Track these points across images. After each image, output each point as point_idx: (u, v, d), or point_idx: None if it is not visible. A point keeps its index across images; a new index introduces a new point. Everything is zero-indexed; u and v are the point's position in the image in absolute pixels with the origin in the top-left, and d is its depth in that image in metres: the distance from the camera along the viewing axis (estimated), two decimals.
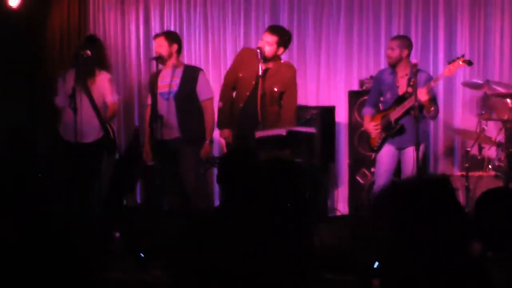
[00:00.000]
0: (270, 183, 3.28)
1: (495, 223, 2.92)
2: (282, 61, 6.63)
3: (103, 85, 6.70)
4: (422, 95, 6.05)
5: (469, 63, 6.24)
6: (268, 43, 6.39)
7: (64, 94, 6.66)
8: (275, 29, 6.56)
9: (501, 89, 7.24)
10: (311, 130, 6.39)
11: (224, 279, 2.68)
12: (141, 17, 8.64)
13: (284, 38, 6.48)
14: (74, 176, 6.59)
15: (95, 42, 6.84)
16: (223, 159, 4.01)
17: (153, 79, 6.61)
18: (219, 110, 6.65)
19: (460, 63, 6.16)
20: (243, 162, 3.72)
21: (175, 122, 6.51)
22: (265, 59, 6.39)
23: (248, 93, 6.49)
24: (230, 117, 6.60)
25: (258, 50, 6.35)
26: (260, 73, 6.32)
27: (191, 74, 6.62)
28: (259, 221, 3.00)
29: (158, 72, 6.60)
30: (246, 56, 6.61)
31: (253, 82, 6.44)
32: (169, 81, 6.54)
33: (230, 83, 6.66)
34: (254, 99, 6.41)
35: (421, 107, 6.14)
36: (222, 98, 6.68)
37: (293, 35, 7.83)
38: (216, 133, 6.82)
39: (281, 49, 6.47)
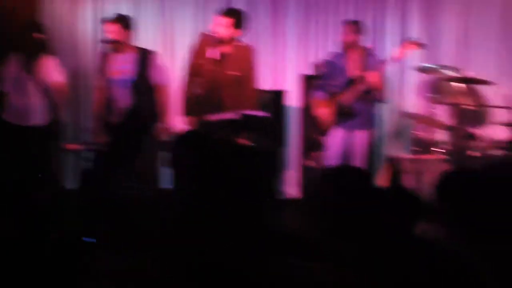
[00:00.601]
0: (225, 166, 3.26)
1: (460, 205, 2.96)
2: (240, 44, 6.45)
3: (49, 69, 6.59)
4: (374, 77, 6.10)
5: (421, 45, 6.32)
6: (223, 26, 6.24)
7: (7, 78, 6.55)
8: (229, 11, 6.41)
9: (451, 73, 7.33)
10: (265, 114, 6.38)
11: (185, 266, 2.67)
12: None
13: (239, 19, 6.35)
14: (14, 159, 6.48)
15: (39, 26, 6.72)
16: (176, 142, 3.97)
17: (104, 61, 6.53)
18: (185, 98, 6.48)
19: (412, 46, 6.23)
20: (196, 145, 3.70)
21: (130, 106, 6.46)
22: (222, 42, 6.27)
23: (208, 79, 6.32)
24: (195, 104, 6.45)
25: (214, 34, 6.24)
26: (218, 57, 6.23)
27: (145, 59, 6.57)
28: (214, 205, 2.99)
29: (109, 55, 6.51)
30: (203, 42, 6.41)
31: (212, 68, 6.29)
32: (122, 66, 6.47)
33: (192, 71, 6.47)
34: (215, 85, 6.28)
35: (372, 90, 6.19)
36: (187, 86, 6.48)
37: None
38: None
39: (238, 31, 6.33)
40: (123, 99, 6.43)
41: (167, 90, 6.70)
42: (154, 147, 6.78)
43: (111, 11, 8.15)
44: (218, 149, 3.34)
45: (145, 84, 6.54)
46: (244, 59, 6.38)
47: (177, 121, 6.70)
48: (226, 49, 6.31)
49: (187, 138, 3.78)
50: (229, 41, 6.29)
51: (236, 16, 6.34)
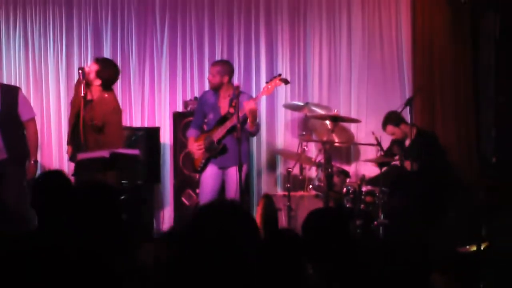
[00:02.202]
0: (85, 207, 3.20)
1: (321, 240, 3.03)
2: (105, 94, 6.37)
3: None
4: (251, 105, 6.16)
5: (286, 81, 6.47)
6: (92, 72, 6.25)
7: None
8: (98, 60, 6.46)
9: (320, 111, 7.50)
10: (135, 152, 6.31)
11: None
12: None
13: (105, 68, 6.34)
14: None
15: None
16: (36, 182, 3.87)
17: None
18: (68, 128, 6.52)
19: (278, 81, 6.36)
20: (55, 185, 3.63)
21: (1, 144, 6.27)
22: (88, 85, 6.25)
23: (73, 119, 6.35)
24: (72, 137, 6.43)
25: (80, 72, 6.21)
26: (81, 104, 6.20)
27: (10, 94, 6.40)
28: (74, 245, 2.92)
29: None
30: (77, 83, 6.48)
31: (76, 110, 6.30)
32: None
33: (73, 105, 6.47)
34: (78, 126, 6.25)
35: (245, 120, 6.24)
36: (70, 117, 6.53)
37: (118, 58, 7.79)
38: (38, 156, 6.65)
39: (98, 81, 6.26)
40: None
41: (35, 125, 6.59)
42: (27, 183, 6.56)
43: None
44: (81, 190, 3.29)
45: (12, 121, 6.36)
46: (106, 109, 6.30)
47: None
48: (93, 95, 6.30)
49: (44, 180, 3.71)
50: (93, 85, 6.29)
51: (104, 64, 6.37)
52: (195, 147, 6.59)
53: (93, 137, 6.29)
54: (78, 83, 6.39)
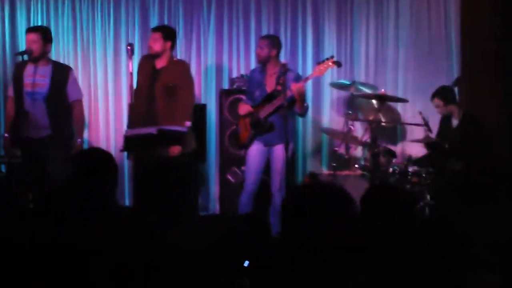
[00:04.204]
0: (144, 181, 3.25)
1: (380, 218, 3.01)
2: (174, 59, 6.71)
3: None
4: (299, 88, 6.13)
5: (339, 64, 6.40)
6: (155, 40, 6.49)
7: None
8: (156, 27, 6.83)
9: (367, 90, 7.46)
10: (183, 128, 6.34)
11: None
12: (6, 11, 8.28)
13: (167, 31, 6.62)
14: None
15: None
16: (75, 157, 3.91)
17: (18, 72, 6.39)
18: (130, 111, 6.56)
19: (330, 64, 6.30)
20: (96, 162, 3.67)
21: (46, 121, 6.35)
22: (156, 57, 6.52)
23: (145, 93, 6.50)
24: (136, 118, 6.52)
25: (129, 48, 6.39)
26: (152, 70, 6.50)
27: (60, 74, 6.47)
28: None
29: (23, 66, 6.36)
30: (142, 62, 6.73)
31: (148, 82, 6.51)
32: (37, 79, 6.33)
33: (134, 90, 6.55)
34: (152, 97, 6.47)
35: (293, 101, 6.22)
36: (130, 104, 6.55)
37: None
38: (85, 134, 6.77)
39: (168, 43, 6.53)
40: (37, 112, 6.29)
41: (82, 106, 6.67)
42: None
43: (24, 23, 8.10)
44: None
45: (60, 100, 6.43)
46: (178, 70, 6.56)
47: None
48: (162, 63, 6.56)
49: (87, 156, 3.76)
50: (163, 53, 6.53)
51: (164, 29, 6.69)
52: (243, 124, 6.59)
53: (168, 106, 6.45)
54: (144, 63, 6.66)
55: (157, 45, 6.50)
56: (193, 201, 3.37)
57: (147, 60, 6.68)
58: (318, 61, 6.56)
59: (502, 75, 7.64)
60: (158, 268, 2.84)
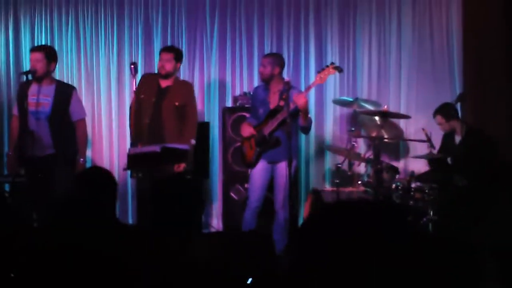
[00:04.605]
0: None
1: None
2: (180, 79, 7.01)
3: None
4: (301, 99, 6.13)
5: (339, 69, 6.37)
6: (167, 61, 6.70)
7: None
8: (169, 48, 6.98)
9: (369, 107, 7.48)
10: (186, 146, 6.38)
11: None
12: (10, 30, 8.33)
13: (178, 52, 6.86)
14: None
15: None
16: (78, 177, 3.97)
17: (23, 91, 6.42)
18: (132, 130, 6.68)
19: (331, 70, 6.30)
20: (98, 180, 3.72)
21: (49, 140, 6.38)
22: (166, 77, 6.73)
23: (151, 110, 6.70)
24: (140, 135, 6.69)
25: (132, 67, 6.39)
26: (158, 89, 6.72)
27: (64, 93, 6.50)
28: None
29: (28, 85, 6.39)
30: (146, 79, 6.86)
31: (153, 99, 6.70)
32: (41, 99, 6.36)
33: (135, 106, 6.61)
34: (159, 115, 6.69)
35: (296, 114, 6.22)
36: (132, 121, 6.67)
37: None
38: (89, 152, 6.79)
39: (178, 64, 6.82)
40: (41, 131, 6.32)
41: (85, 125, 6.70)
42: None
43: (28, 41, 8.14)
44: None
45: (63, 119, 6.46)
46: (184, 91, 6.82)
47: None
48: (168, 82, 6.78)
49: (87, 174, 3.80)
50: (172, 74, 6.77)
51: (176, 50, 6.90)
52: (247, 132, 6.59)
53: (174, 124, 6.66)
54: (149, 82, 6.79)
55: (170, 65, 6.70)
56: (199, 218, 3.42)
57: (151, 78, 6.82)
58: (318, 70, 6.57)
59: (506, 88, 7.65)
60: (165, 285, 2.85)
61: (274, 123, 6.37)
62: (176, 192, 3.24)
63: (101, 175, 3.81)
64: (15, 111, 6.59)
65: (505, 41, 7.68)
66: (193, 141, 6.67)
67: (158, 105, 6.69)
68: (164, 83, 6.75)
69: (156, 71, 7.02)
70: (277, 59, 6.61)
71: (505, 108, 7.68)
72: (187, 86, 6.94)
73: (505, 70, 7.67)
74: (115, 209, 3.74)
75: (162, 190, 3.26)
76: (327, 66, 6.35)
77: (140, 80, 6.75)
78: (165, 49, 6.89)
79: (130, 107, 6.71)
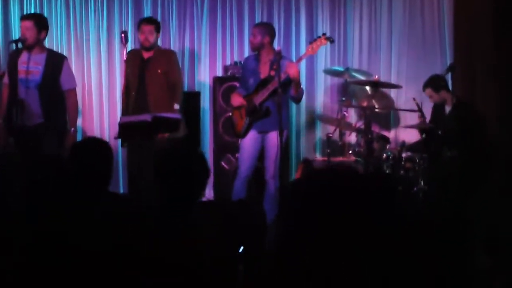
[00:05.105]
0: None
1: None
2: (161, 48, 7.12)
3: None
4: (293, 68, 6.12)
5: (331, 40, 6.36)
6: (149, 32, 6.82)
7: None
8: (149, 19, 7.06)
9: (360, 77, 7.47)
10: (177, 115, 6.36)
11: None
12: None
13: (157, 23, 7.01)
14: None
15: None
16: (74, 147, 3.95)
17: (12, 59, 6.37)
18: (122, 106, 6.92)
19: (323, 40, 6.28)
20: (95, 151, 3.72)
21: (38, 109, 6.33)
22: (150, 48, 6.85)
23: (136, 83, 6.79)
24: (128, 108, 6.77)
25: (123, 35, 6.50)
26: (141, 61, 6.83)
27: (55, 62, 6.45)
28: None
29: (18, 53, 6.32)
30: (130, 56, 6.79)
31: (137, 72, 6.81)
32: (31, 67, 6.31)
33: (124, 83, 6.78)
34: (143, 86, 6.80)
35: (285, 89, 6.20)
36: (123, 99, 6.91)
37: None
38: (79, 122, 6.92)
39: (158, 35, 6.96)
40: (30, 100, 6.28)
41: (76, 95, 6.65)
42: (63, 151, 6.60)
43: (17, 11, 8.06)
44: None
45: (53, 88, 6.40)
46: (166, 58, 6.93)
47: None
48: (150, 54, 6.89)
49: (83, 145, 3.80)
50: (153, 45, 6.89)
51: (156, 22, 7.01)
52: (237, 101, 6.59)
53: (160, 93, 6.75)
54: (132, 57, 6.82)
55: (152, 37, 6.81)
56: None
57: (135, 53, 6.92)
58: (310, 41, 6.55)
59: (497, 62, 7.64)
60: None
61: (265, 93, 6.36)
62: (183, 164, 3.24)
63: (99, 145, 3.81)
64: (5, 79, 6.54)
65: (495, 12, 7.66)
66: (176, 106, 6.73)
67: (142, 76, 6.80)
68: (146, 55, 6.85)
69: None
70: (267, 29, 6.58)
71: (494, 83, 7.67)
72: (169, 53, 7.08)
73: (494, 40, 7.66)
74: (109, 181, 3.73)
75: (166, 162, 3.26)
76: (319, 37, 6.34)
77: (126, 58, 6.67)
78: (146, 21, 6.95)
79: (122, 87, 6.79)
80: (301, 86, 6.39)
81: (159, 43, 7.23)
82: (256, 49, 6.54)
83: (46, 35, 6.49)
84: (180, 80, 6.97)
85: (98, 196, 3.51)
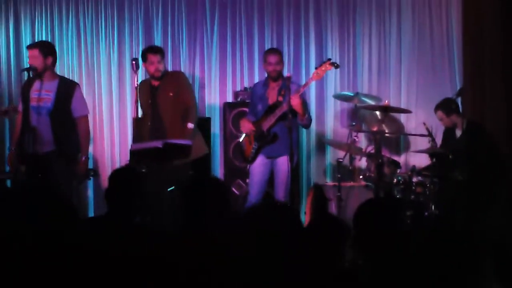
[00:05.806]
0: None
1: (373, 232, 3.04)
2: (168, 71, 7.00)
3: None
4: (294, 100, 6.14)
5: (336, 65, 6.39)
6: (158, 62, 6.69)
7: None
8: (156, 48, 6.93)
9: (370, 101, 7.48)
10: (188, 141, 6.38)
11: None
12: (10, 26, 8.33)
13: (162, 50, 6.87)
14: None
15: None
16: (112, 176, 4.03)
17: (26, 87, 6.40)
18: (135, 128, 6.91)
19: (328, 65, 6.31)
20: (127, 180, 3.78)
21: (50, 136, 6.33)
22: (158, 78, 6.72)
23: (150, 111, 6.74)
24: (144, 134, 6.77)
25: (134, 62, 6.56)
26: (151, 88, 6.76)
27: (66, 89, 6.44)
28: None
29: (31, 81, 6.35)
30: (141, 87, 6.83)
31: (149, 100, 6.74)
32: (43, 94, 6.33)
33: (136, 116, 6.73)
34: (156, 111, 6.71)
35: (294, 114, 6.23)
36: (134, 132, 6.98)
37: (168, 50, 7.90)
38: (90, 149, 6.90)
39: (164, 61, 6.83)
40: (42, 127, 6.29)
41: (88, 122, 6.63)
42: (74, 179, 6.60)
43: (28, 38, 8.14)
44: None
45: (64, 115, 6.41)
46: (175, 79, 6.83)
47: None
48: (159, 81, 6.79)
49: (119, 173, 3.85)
50: (163, 74, 6.77)
51: (161, 50, 6.88)
52: (246, 127, 6.60)
53: (174, 117, 6.66)
54: (143, 87, 6.83)
55: (162, 66, 6.75)
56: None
57: (144, 84, 6.91)
58: (316, 66, 6.58)
59: (506, 83, 7.64)
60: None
61: (272, 119, 6.39)
62: (206, 194, 3.33)
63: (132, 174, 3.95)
64: (19, 107, 6.56)
65: (504, 36, 7.67)
66: (190, 125, 6.59)
67: (154, 103, 6.72)
68: (155, 82, 6.79)
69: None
70: (277, 55, 6.63)
71: (503, 103, 7.66)
72: (177, 74, 7.03)
73: (504, 65, 7.66)
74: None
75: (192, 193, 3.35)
76: (324, 62, 6.37)
77: (136, 91, 6.69)
78: (152, 51, 6.82)
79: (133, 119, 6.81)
80: (307, 115, 6.39)
81: (169, 67, 7.27)
82: (277, 77, 6.56)
83: (55, 60, 6.48)
84: (191, 98, 6.79)
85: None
